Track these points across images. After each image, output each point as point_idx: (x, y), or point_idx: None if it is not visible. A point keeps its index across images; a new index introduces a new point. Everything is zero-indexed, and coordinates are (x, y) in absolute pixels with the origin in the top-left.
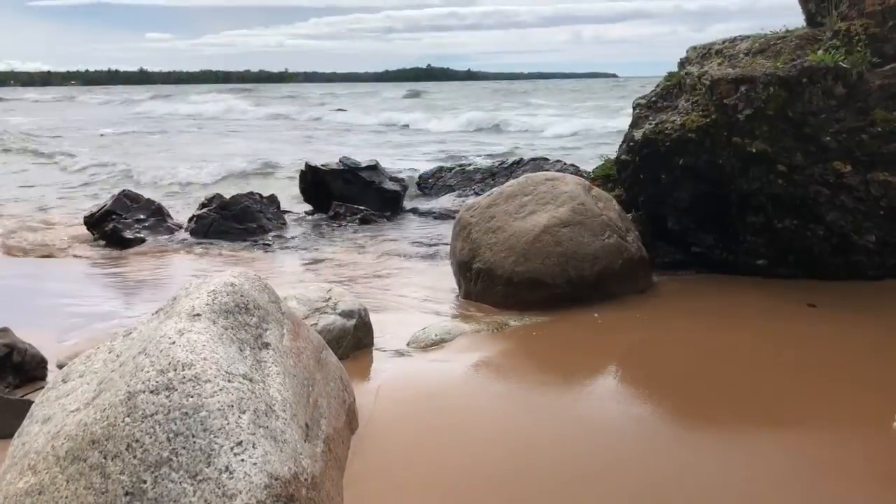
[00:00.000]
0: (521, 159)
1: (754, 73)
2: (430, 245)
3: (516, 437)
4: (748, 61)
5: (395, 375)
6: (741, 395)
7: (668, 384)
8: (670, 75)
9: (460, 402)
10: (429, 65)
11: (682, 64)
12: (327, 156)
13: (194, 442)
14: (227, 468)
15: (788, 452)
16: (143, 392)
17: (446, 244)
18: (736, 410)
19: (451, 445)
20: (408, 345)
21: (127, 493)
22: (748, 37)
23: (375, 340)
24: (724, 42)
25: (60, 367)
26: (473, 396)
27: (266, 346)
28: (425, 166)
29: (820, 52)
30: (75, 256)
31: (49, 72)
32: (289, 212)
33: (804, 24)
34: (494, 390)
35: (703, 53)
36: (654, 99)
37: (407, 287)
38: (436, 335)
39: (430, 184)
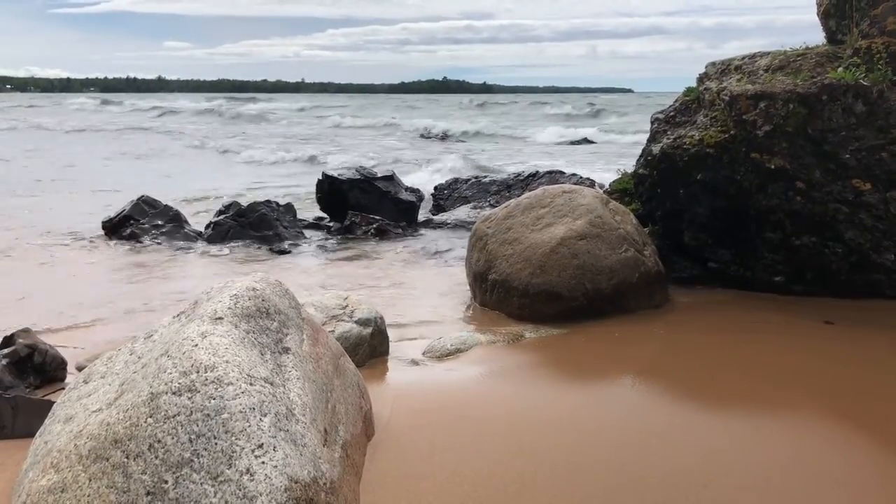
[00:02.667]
0: (538, 172)
1: (774, 89)
2: (446, 255)
3: (531, 448)
4: (768, 77)
5: (411, 384)
6: (756, 409)
7: (684, 398)
8: (689, 90)
9: (475, 412)
10: (445, 77)
11: (700, 79)
12: None
13: (216, 443)
14: (247, 470)
15: (803, 466)
16: (166, 393)
17: (462, 255)
18: (752, 425)
19: (467, 455)
20: (423, 354)
21: (148, 493)
22: (768, 53)
23: (391, 349)
24: (743, 58)
25: (80, 369)
26: (488, 407)
27: (286, 350)
28: None
29: (840, 69)
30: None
31: (69, 78)
32: (305, 220)
33: (824, 41)
34: (509, 401)
35: (722, 69)
36: (672, 114)
37: (422, 296)
38: (451, 345)
39: (446, 195)
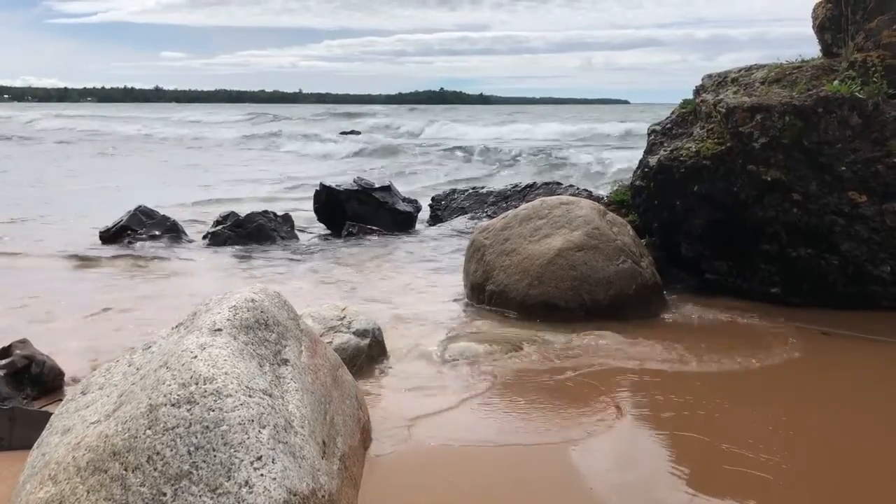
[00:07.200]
0: (535, 183)
1: (770, 101)
2: (443, 266)
3: (529, 462)
4: (764, 90)
5: (409, 395)
6: (750, 416)
7: (682, 409)
8: (685, 102)
9: (474, 424)
10: (441, 88)
11: (697, 91)
12: None
13: (215, 455)
14: (246, 482)
15: (801, 479)
16: (165, 405)
17: (459, 265)
18: (746, 429)
19: (464, 467)
20: (421, 364)
21: None
22: (764, 66)
23: (389, 359)
24: (739, 70)
25: (76, 381)
26: (487, 419)
27: (285, 362)
28: None
29: (836, 82)
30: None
31: (66, 88)
32: (303, 230)
33: (819, 54)
34: (508, 411)
35: (719, 81)
36: (668, 126)
37: (420, 307)
38: (449, 356)
39: (443, 206)
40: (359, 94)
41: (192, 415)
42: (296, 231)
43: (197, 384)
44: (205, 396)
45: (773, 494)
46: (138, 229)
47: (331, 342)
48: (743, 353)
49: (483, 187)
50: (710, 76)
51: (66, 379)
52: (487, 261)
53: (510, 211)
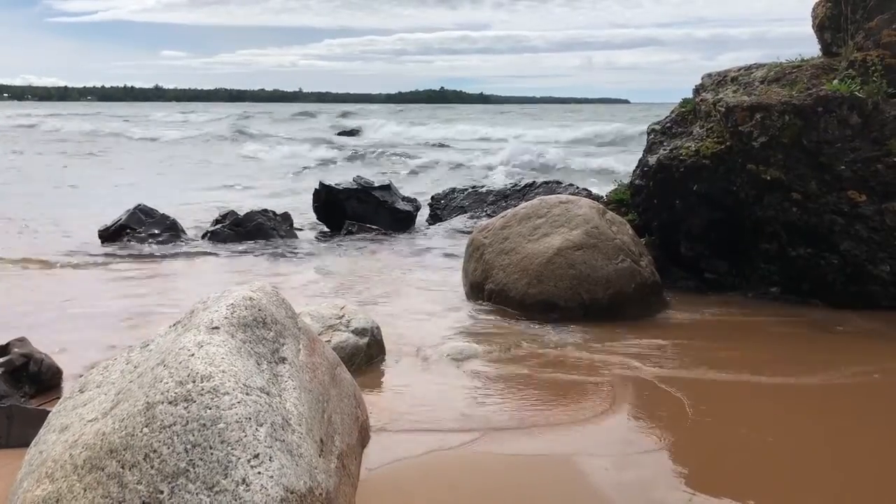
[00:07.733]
0: (534, 182)
1: (770, 101)
2: (442, 265)
3: (528, 464)
4: (763, 89)
5: (408, 394)
6: (748, 415)
7: (681, 415)
8: (685, 102)
9: (473, 425)
10: (442, 87)
11: (696, 91)
12: None
13: (212, 453)
14: (243, 480)
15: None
16: (162, 403)
17: (458, 264)
18: (755, 429)
19: (463, 468)
20: (420, 363)
21: (144, 503)
22: (764, 65)
23: (387, 358)
24: (739, 70)
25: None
26: (486, 420)
27: (283, 360)
28: None
29: (835, 81)
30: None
31: (66, 87)
32: (302, 229)
33: (819, 53)
34: (507, 413)
35: (719, 81)
36: (668, 125)
37: (419, 306)
38: (447, 355)
39: (443, 205)
40: (359, 93)
41: (189, 412)
42: (295, 230)
43: (194, 382)
44: (202, 394)
45: (774, 494)
46: (137, 228)
47: (329, 341)
48: (744, 352)
49: (483, 186)
50: (709, 75)
51: (63, 377)
52: (487, 260)
53: (509, 210)
